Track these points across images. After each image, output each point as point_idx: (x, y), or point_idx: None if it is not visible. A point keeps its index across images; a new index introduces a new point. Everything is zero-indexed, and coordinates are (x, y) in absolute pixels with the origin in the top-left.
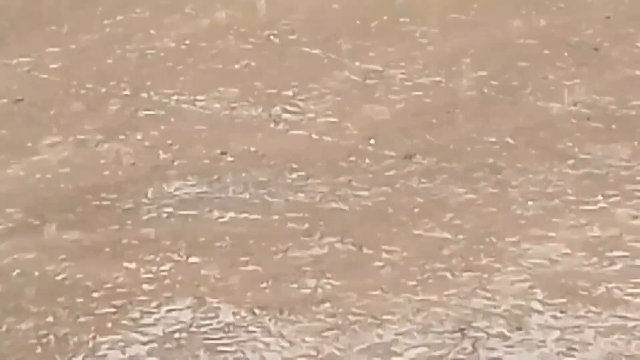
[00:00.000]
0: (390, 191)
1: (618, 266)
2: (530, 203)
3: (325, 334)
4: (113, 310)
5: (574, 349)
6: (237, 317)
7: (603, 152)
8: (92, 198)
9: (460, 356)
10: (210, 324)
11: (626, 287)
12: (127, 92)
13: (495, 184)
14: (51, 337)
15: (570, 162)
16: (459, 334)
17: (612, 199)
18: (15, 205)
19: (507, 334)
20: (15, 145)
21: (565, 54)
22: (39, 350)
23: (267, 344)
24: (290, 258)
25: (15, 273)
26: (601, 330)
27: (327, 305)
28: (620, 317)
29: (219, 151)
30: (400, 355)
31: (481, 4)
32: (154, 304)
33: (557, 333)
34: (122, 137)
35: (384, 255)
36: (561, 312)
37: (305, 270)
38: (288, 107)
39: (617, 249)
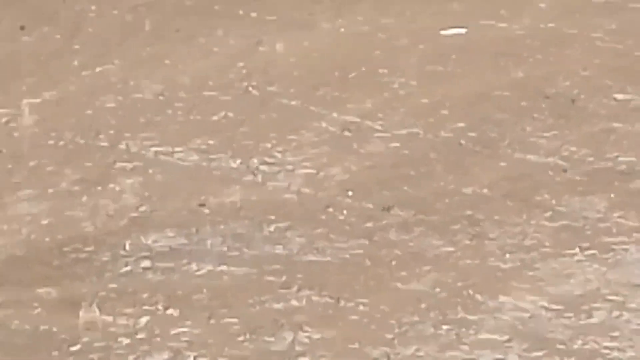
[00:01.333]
0: (367, 243)
1: (595, 319)
2: (507, 255)
3: None
4: None
5: None
6: None
7: (580, 205)
8: (69, 250)
9: None
10: None
11: (603, 340)
12: (105, 144)
13: (473, 236)
14: None
15: (548, 214)
16: None
17: (589, 252)
18: None
19: None
20: None
21: (543, 105)
22: None
23: None
24: (268, 311)
25: None
26: None
27: (305, 359)
28: None
29: (197, 203)
30: None
31: (459, 55)
32: (131, 358)
33: None
34: (99, 188)
35: (362, 307)
36: None
37: (283, 324)
38: (266, 159)
39: (595, 302)
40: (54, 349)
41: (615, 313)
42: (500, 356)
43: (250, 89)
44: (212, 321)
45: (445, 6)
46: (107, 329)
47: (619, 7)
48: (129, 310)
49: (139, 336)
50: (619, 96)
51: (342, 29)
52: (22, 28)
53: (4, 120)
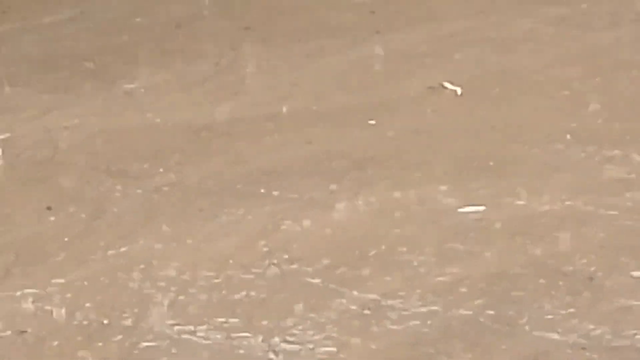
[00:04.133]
0: None
1: None
2: None
3: None
4: None
5: None
6: None
7: None
8: None
9: None
10: None
11: None
12: (128, 323)
13: None
14: None
15: None
16: None
17: None
18: None
19: None
20: None
21: (560, 283)
22: None
23: None
24: None
25: None
26: None
27: None
28: None
29: None
30: None
31: (477, 232)
32: None
33: None
34: None
35: None
36: None
37: None
38: (287, 338)
39: None
40: None
41: None
42: None
43: (271, 266)
44: None
45: (464, 184)
46: None
47: (634, 184)
48: None
49: None
50: (636, 273)
51: (361, 208)
52: (48, 208)
53: (30, 300)
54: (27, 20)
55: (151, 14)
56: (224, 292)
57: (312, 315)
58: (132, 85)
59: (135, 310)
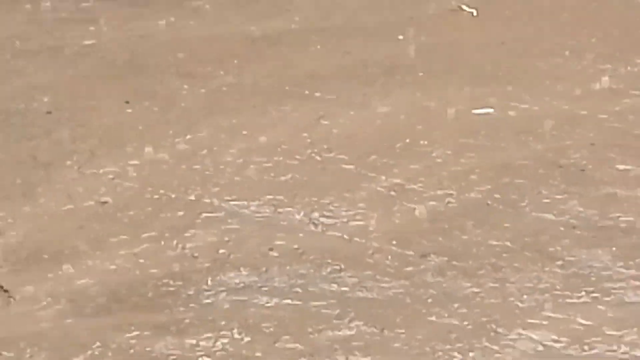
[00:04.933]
0: (408, 284)
1: (596, 350)
2: (525, 296)
3: None
4: None
5: None
6: None
7: (587, 256)
8: (161, 285)
9: None
10: None
11: None
12: (192, 198)
13: (496, 279)
14: None
15: (559, 263)
16: None
17: (593, 295)
18: (98, 292)
19: None
20: (99, 241)
21: (556, 173)
22: None
23: None
24: (324, 338)
25: (95, 345)
26: None
27: None
28: None
29: (267, 248)
30: None
31: (488, 130)
32: None
33: None
34: (187, 234)
35: (402, 336)
36: None
37: (337, 349)
38: (325, 213)
39: (597, 337)
40: None
41: (614, 346)
42: None
43: (313, 155)
44: (277, 345)
45: (477, 90)
46: (190, 350)
47: (622, 93)
48: (208, 335)
49: (216, 356)
50: (621, 167)
51: (390, 108)
52: (127, 102)
53: (110, 176)
54: None
55: None
56: (272, 174)
57: (346, 195)
58: (199, 3)
59: (198, 187)
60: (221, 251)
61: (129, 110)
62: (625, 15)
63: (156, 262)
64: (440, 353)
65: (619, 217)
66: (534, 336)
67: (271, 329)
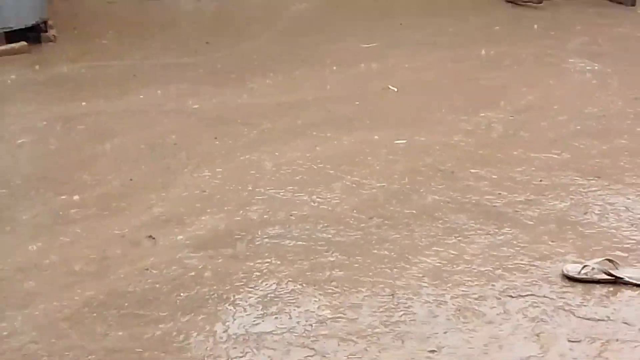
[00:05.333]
0: (362, 233)
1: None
2: (423, 239)
3: None
4: None
5: None
6: None
7: (455, 217)
8: (236, 233)
9: None
10: None
11: None
12: (250, 188)
13: (408, 230)
14: None
15: (440, 221)
16: None
17: (459, 238)
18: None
19: None
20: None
21: (438, 174)
22: None
23: None
24: (320, 262)
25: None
26: None
27: None
28: None
29: (289, 215)
30: None
31: (403, 151)
32: None
33: None
34: (248, 207)
35: (359, 261)
36: None
37: (325, 267)
38: (319, 196)
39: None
40: None
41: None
42: None
43: (312, 165)
44: (295, 266)
45: (398, 130)
46: (248, 270)
47: (474, 131)
48: (259, 261)
49: (264, 271)
50: (473, 170)
51: (352, 140)
52: (215, 138)
53: (207, 177)
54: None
55: None
56: (291, 175)
57: (329, 186)
58: (252, 85)
59: (252, 184)
60: (264, 216)
61: (217, 142)
62: (472, 87)
63: (232, 222)
64: (378, 270)
65: (472, 197)
66: (428, 260)
67: (291, 257)
